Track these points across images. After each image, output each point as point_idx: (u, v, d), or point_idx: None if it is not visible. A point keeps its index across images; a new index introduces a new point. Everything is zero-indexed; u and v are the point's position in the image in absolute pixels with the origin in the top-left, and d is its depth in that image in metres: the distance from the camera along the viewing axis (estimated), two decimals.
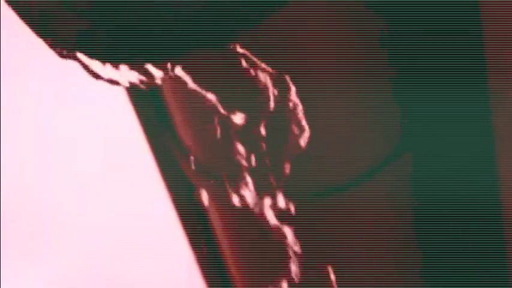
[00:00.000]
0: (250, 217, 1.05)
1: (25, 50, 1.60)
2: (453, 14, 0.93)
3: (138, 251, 1.76)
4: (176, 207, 1.27)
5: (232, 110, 0.91)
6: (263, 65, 0.87)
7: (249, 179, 0.99)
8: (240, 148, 0.97)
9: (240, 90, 0.90)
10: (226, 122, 0.95)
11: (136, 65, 0.78)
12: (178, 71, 0.84)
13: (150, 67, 0.80)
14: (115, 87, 1.64)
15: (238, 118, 0.92)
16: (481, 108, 1.00)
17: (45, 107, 1.66)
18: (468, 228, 1.12)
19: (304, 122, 0.92)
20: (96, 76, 0.79)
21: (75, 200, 1.73)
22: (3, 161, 1.69)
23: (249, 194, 0.99)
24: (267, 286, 1.17)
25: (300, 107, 0.91)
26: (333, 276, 1.11)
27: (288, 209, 0.99)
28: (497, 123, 1.01)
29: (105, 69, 0.78)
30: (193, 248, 1.32)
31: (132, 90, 1.14)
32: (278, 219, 1.00)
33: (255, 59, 0.85)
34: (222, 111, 0.92)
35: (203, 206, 1.21)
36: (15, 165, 1.70)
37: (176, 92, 0.98)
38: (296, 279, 1.10)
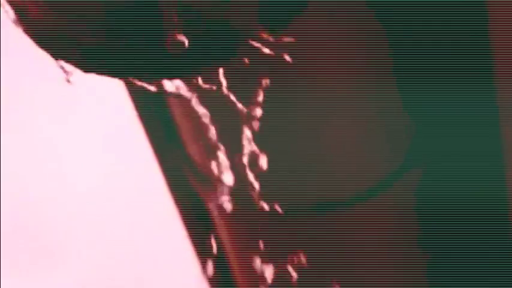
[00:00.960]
0: (254, 226, 1.05)
1: (27, 50, 1.60)
2: (460, 16, 0.93)
3: (139, 252, 1.76)
4: (181, 212, 1.27)
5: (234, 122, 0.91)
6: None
7: (253, 190, 0.99)
8: (245, 158, 0.96)
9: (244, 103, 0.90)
10: (232, 134, 0.95)
11: (158, 80, 0.78)
12: (188, 85, 0.84)
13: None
14: (120, 91, 1.64)
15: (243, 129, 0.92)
16: (489, 114, 0.99)
17: (53, 114, 1.66)
18: (478, 233, 1.12)
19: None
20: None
21: (78, 203, 1.73)
22: (4, 164, 1.69)
23: (252, 204, 0.99)
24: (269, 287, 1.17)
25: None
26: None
27: (291, 219, 0.99)
28: (503, 124, 1.00)
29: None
30: (198, 252, 1.32)
31: (140, 100, 1.14)
32: (284, 229, 1.00)
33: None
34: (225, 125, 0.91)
35: (209, 214, 1.21)
36: (16, 168, 1.70)
37: (183, 105, 0.98)
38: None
